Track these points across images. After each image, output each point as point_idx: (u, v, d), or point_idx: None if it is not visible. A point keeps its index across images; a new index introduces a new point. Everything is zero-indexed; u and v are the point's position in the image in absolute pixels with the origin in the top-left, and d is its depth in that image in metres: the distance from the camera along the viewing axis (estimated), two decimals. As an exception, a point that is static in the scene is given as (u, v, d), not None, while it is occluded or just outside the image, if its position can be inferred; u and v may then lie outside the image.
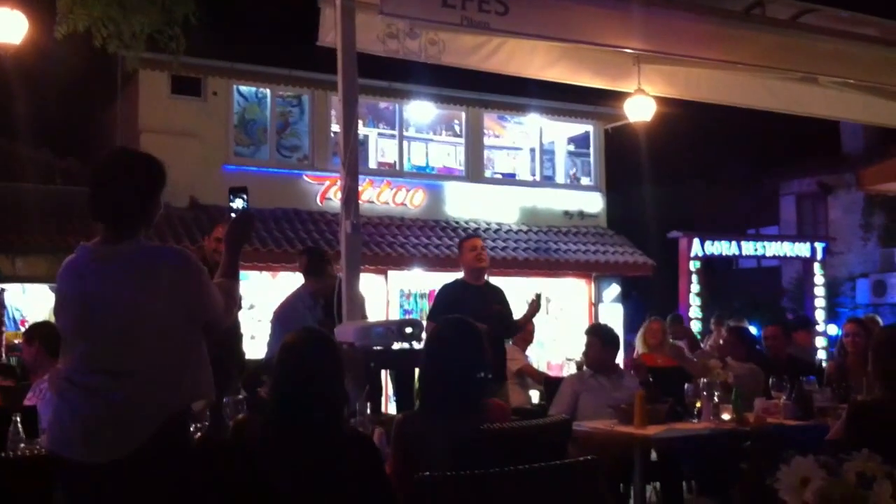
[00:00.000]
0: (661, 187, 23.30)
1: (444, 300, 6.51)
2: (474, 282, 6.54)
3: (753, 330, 10.95)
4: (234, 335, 5.24)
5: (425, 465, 3.10)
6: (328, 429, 3.00)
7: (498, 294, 6.51)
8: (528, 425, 3.80)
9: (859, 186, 14.00)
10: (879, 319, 9.15)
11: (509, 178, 16.91)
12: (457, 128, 16.45)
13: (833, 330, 15.57)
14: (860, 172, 11.71)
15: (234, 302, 3.17)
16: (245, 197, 3.31)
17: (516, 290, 15.34)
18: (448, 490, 2.94)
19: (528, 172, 17.07)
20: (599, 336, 5.95)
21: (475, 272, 6.54)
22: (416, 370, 4.36)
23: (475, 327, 3.70)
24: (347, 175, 5.81)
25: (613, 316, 15.53)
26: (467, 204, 15.90)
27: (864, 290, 20.62)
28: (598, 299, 16.18)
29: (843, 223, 21.76)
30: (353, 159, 5.83)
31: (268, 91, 15.07)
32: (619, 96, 8.08)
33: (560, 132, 17.35)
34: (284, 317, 6.86)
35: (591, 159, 17.37)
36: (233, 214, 3.29)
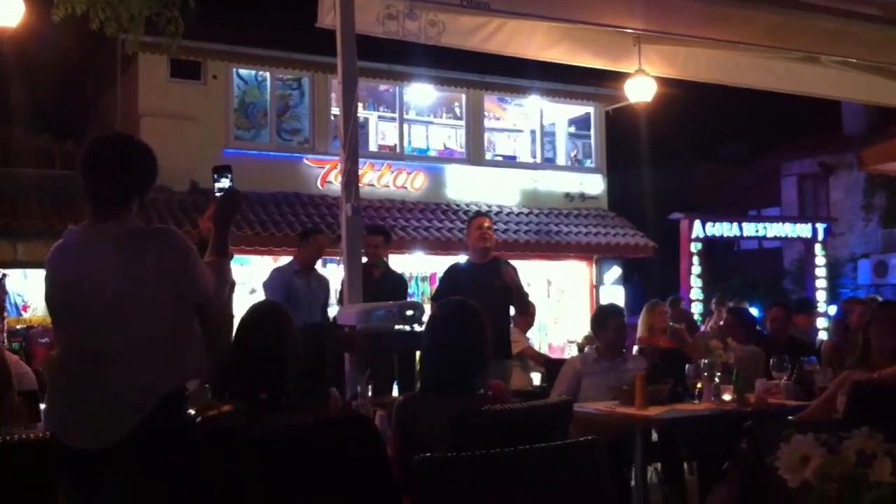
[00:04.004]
0: (662, 168, 23.30)
1: (446, 280, 6.56)
2: (478, 260, 6.55)
3: (755, 311, 10.96)
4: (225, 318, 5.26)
5: (426, 447, 3.10)
6: (281, 406, 3.00)
7: (501, 269, 6.45)
8: (528, 406, 3.80)
9: (860, 167, 13.97)
10: (880, 300, 9.12)
11: (510, 161, 16.87)
12: (457, 110, 16.41)
13: (833, 310, 15.55)
14: (861, 153, 11.67)
15: (224, 280, 3.15)
16: (230, 175, 3.29)
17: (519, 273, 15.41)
18: (448, 471, 2.94)
19: (529, 155, 17.03)
20: (622, 316, 5.94)
21: (479, 251, 6.55)
22: (417, 352, 4.36)
23: (476, 309, 3.69)
24: (348, 158, 5.79)
25: (615, 298, 15.52)
26: (468, 186, 15.87)
27: (865, 271, 20.60)
28: (600, 281, 16.17)
29: (844, 204, 21.73)
30: (353, 142, 5.81)
31: (267, 74, 15.03)
32: (619, 77, 8.04)
33: (561, 114, 17.30)
34: (268, 279, 7.38)
35: (592, 141, 17.33)
36: (218, 194, 3.27)
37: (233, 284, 3.29)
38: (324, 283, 7.47)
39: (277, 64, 14.87)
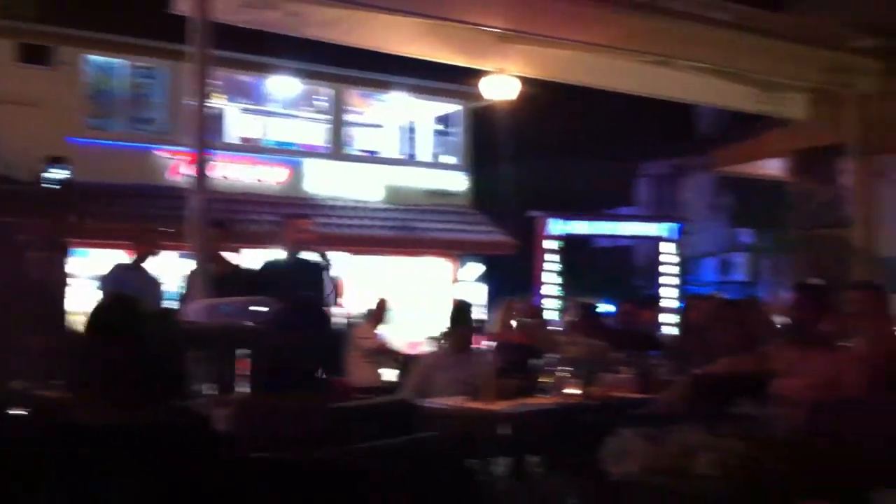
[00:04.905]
0: (526, 167, 23.63)
1: (260, 275, 6.35)
2: (291, 257, 6.36)
3: (609, 307, 11.25)
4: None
5: (269, 446, 3.04)
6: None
7: (314, 267, 6.35)
8: (372, 403, 3.79)
9: (712, 168, 14.53)
10: (722, 297, 9.51)
11: (373, 156, 16.81)
12: (320, 103, 16.22)
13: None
14: (713, 154, 12.13)
15: (47, 273, 3.02)
16: (65, 167, 3.14)
17: (378, 269, 15.39)
18: (291, 470, 2.89)
19: (393, 150, 17.01)
20: (469, 313, 5.96)
21: (294, 253, 6.38)
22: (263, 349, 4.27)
23: (322, 307, 3.66)
24: (198, 149, 5.66)
25: (476, 294, 15.68)
26: (329, 181, 15.71)
27: (710, 269, 21.53)
28: (461, 278, 16.30)
29: (694, 204, 22.64)
30: (203, 133, 5.68)
31: (121, 61, 14.48)
32: (486, 75, 8.09)
33: (426, 110, 17.34)
34: (106, 273, 6.95)
35: (456, 138, 17.44)
36: (50, 185, 3.12)
37: (68, 277, 3.15)
38: (151, 284, 7.04)
39: (132, 51, 14.32)
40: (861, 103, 8.86)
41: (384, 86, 16.32)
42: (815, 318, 4.65)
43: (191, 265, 5.57)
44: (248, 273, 6.70)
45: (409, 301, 15.37)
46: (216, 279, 6.23)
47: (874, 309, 5.11)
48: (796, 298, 4.88)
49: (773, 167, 10.83)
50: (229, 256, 6.75)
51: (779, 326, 5.68)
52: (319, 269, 6.16)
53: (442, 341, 6.27)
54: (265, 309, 4.38)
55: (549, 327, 8.30)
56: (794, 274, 10.01)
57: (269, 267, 6.43)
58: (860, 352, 4.97)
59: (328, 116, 16.11)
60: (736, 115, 11.75)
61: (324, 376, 3.58)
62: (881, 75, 8.77)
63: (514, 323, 7.82)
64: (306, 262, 6.26)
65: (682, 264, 18.19)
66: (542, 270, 14.65)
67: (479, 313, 14.50)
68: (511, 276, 19.27)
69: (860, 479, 2.40)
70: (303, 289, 4.05)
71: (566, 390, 5.18)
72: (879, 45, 8.57)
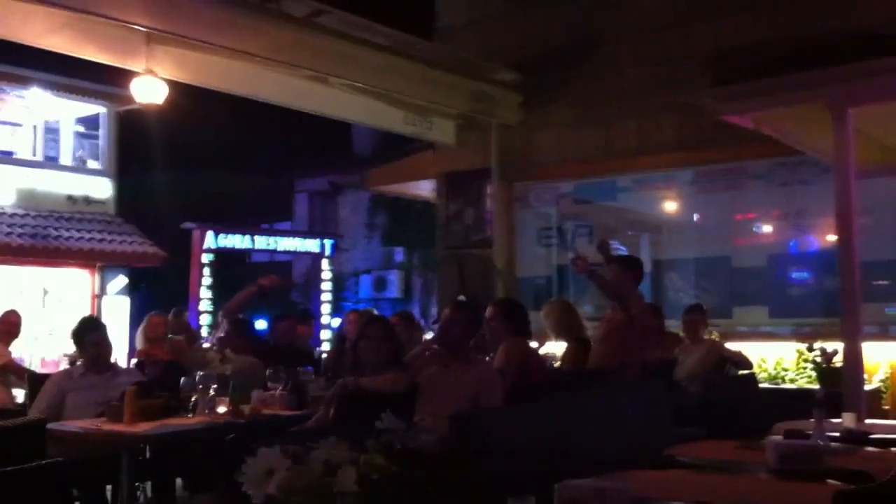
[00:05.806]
0: (179, 176, 22.88)
1: None
2: None
3: (263, 323, 11.10)
4: None
5: None
6: None
7: None
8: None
9: (365, 186, 14.92)
10: (375, 312, 9.75)
11: (5, 157, 15.31)
12: (-59, 95, 14.54)
13: (337, 323, 16.41)
14: (366, 173, 12.45)
15: None
16: None
17: (10, 281, 14.01)
18: None
19: (28, 151, 15.62)
20: (100, 330, 5.54)
21: None
22: None
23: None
24: None
25: (120, 309, 14.84)
26: (-47, 182, 14.11)
27: (366, 286, 22.12)
28: (103, 291, 15.31)
29: (350, 221, 23.15)
30: None
31: None
32: (135, 77, 7.62)
33: (68, 110, 16.12)
34: None
35: (102, 142, 16.37)
36: None
37: None
38: None
39: None
40: (502, 131, 9.55)
41: (20, 80, 14.90)
42: (462, 333, 4.85)
43: None
44: None
45: (44, 315, 14.19)
46: None
47: (506, 324, 5.48)
48: (445, 315, 5.07)
49: (424, 188, 11.31)
50: None
51: (429, 341, 5.87)
52: None
53: (78, 359, 5.79)
54: None
55: (198, 343, 8.02)
56: (442, 291, 10.48)
57: None
58: (497, 364, 5.29)
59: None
60: (391, 135, 12.14)
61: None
62: (519, 107, 9.53)
63: (160, 338, 7.48)
64: None
65: (339, 280, 18.55)
66: (196, 284, 14.21)
67: (122, 328, 13.80)
68: (162, 290, 18.51)
69: (499, 486, 2.48)
70: None
71: (214, 409, 4.97)
72: (518, 79, 9.31)
